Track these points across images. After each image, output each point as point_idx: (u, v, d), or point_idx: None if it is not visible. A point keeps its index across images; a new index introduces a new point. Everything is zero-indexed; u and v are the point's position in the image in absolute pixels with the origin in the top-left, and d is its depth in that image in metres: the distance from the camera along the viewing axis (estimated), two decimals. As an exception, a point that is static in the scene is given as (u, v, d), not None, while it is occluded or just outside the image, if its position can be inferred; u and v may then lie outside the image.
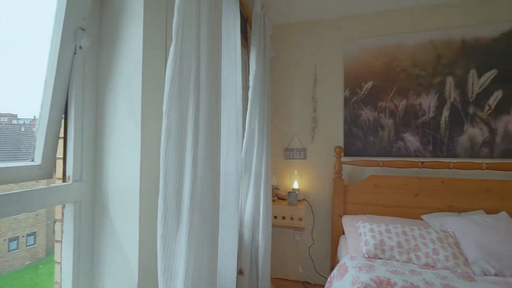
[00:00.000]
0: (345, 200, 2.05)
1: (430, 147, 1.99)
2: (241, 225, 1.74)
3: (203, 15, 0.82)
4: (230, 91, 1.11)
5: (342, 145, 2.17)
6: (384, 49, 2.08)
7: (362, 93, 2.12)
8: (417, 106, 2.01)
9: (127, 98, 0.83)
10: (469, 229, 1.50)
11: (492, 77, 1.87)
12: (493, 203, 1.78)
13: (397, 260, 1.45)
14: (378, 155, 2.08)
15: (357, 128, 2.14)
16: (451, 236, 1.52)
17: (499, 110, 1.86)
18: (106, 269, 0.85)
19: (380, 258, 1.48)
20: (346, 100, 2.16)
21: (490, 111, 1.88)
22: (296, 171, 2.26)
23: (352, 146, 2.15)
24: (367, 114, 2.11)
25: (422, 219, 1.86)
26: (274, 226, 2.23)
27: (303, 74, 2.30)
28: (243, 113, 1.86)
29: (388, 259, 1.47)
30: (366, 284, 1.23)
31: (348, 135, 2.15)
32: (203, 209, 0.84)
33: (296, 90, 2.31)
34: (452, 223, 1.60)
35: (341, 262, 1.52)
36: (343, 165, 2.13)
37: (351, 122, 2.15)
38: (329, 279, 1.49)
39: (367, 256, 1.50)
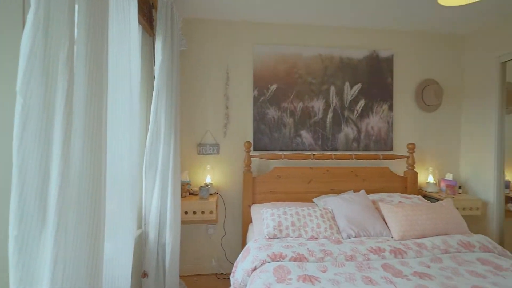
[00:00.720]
0: (253, 191, 2.23)
1: (320, 142, 2.42)
2: (145, 223, 1.63)
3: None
4: (123, 77, 1.02)
5: (251, 140, 2.36)
6: (286, 57, 2.38)
7: (269, 94, 2.36)
8: (311, 108, 2.41)
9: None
10: (340, 205, 1.93)
11: (358, 89, 2.45)
12: (358, 184, 2.34)
13: (291, 237, 1.70)
14: (281, 149, 2.37)
15: (264, 125, 2.36)
16: (330, 212, 1.91)
17: (363, 114, 2.46)
18: None
19: (278, 238, 1.69)
20: (255, 100, 2.35)
21: (357, 115, 2.46)
22: (208, 166, 2.29)
23: (260, 141, 2.36)
24: (272, 113, 2.37)
25: (313, 201, 2.24)
26: (185, 222, 2.19)
27: (216, 72, 2.35)
28: (147, 104, 1.75)
29: (285, 237, 1.70)
30: (263, 260, 1.39)
31: (256, 131, 2.35)
32: (81, 207, 0.75)
33: (209, 87, 2.35)
34: (331, 201, 2.01)
35: (246, 246, 1.66)
36: (252, 159, 2.31)
37: (259, 119, 2.36)
38: (235, 263, 1.60)
39: (268, 237, 1.69)
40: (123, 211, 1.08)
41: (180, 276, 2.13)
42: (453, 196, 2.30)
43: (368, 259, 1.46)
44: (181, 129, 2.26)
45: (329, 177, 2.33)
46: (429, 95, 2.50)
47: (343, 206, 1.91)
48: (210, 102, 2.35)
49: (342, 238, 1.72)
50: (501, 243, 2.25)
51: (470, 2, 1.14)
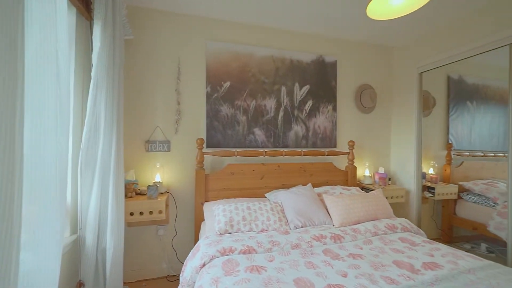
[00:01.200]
0: (206, 188, 2.21)
1: (272, 140, 2.52)
2: (81, 228, 1.47)
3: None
4: (48, 64, 0.90)
5: (204, 137, 2.32)
6: (239, 55, 2.41)
7: (222, 91, 2.36)
8: (263, 107, 2.49)
9: None
10: (289, 198, 2.04)
11: (307, 90, 2.63)
12: (306, 178, 2.51)
13: (243, 231, 1.74)
14: (235, 147, 2.40)
15: (217, 122, 2.35)
16: (280, 205, 2.01)
17: (310, 114, 2.65)
18: None
19: (230, 233, 1.71)
20: (208, 96, 2.32)
21: (306, 114, 2.63)
22: (158, 164, 2.18)
23: (213, 138, 2.34)
24: (226, 110, 2.37)
25: (265, 196, 2.33)
26: (132, 224, 2.05)
27: (167, 65, 2.25)
28: (83, 96, 1.58)
29: (236, 232, 1.73)
30: (212, 256, 1.39)
31: (210, 128, 2.33)
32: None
33: (159, 81, 2.23)
34: (281, 195, 2.11)
35: (196, 244, 1.63)
36: (205, 156, 2.28)
37: (212, 116, 2.34)
38: (185, 262, 1.56)
39: (219, 233, 1.70)
40: (48, 215, 0.96)
41: (125, 282, 1.98)
42: (384, 186, 2.65)
43: (312, 246, 1.58)
44: (127, 125, 2.10)
45: (280, 172, 2.45)
46: (366, 99, 2.83)
47: (292, 199, 2.03)
48: (161, 97, 2.24)
49: (290, 229, 1.83)
50: (418, 224, 2.69)
51: (391, 18, 1.34)
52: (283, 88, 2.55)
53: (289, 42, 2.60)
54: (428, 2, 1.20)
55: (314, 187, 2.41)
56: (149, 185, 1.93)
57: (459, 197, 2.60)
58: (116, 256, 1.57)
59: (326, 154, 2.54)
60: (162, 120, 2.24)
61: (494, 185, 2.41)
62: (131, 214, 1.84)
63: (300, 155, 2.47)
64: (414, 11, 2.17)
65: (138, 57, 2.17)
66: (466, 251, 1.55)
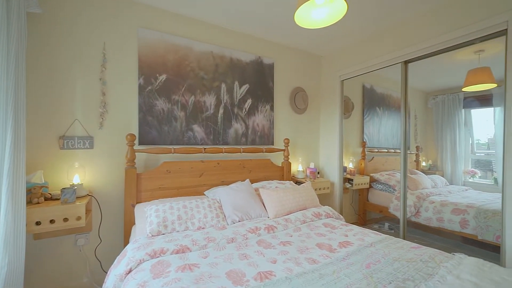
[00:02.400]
0: (138, 189, 2.03)
1: (211, 137, 2.50)
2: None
3: None
4: None
5: (136, 133, 2.13)
6: (176, 47, 2.30)
7: (157, 84, 2.21)
8: (202, 103, 2.44)
9: None
10: (228, 194, 2.07)
11: (246, 89, 2.71)
12: (245, 175, 2.59)
13: (178, 231, 1.68)
14: (172, 144, 2.28)
15: (152, 117, 2.19)
16: (218, 202, 2.01)
17: (250, 112, 2.74)
18: None
19: (163, 234, 1.62)
20: (141, 88, 2.14)
21: (245, 112, 2.71)
22: (77, 163, 1.89)
23: (147, 135, 2.17)
24: (161, 104, 2.23)
25: (204, 194, 2.29)
26: (40, 236, 1.74)
27: (89, 50, 1.96)
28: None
29: (170, 232, 1.65)
30: (140, 260, 1.29)
31: (143, 123, 2.15)
32: None
33: (79, 67, 1.93)
34: (220, 192, 2.13)
35: (123, 250, 1.49)
36: (138, 154, 2.10)
37: (146, 111, 2.16)
38: (108, 271, 1.41)
39: (150, 235, 1.59)
40: None
41: (29, 306, 1.66)
42: (314, 180, 2.97)
43: (247, 238, 1.65)
44: (33, 117, 1.75)
45: (220, 170, 2.46)
46: (299, 100, 3.10)
47: (230, 195, 2.06)
48: (81, 86, 1.94)
49: (227, 224, 1.86)
50: (340, 210, 3.12)
51: (313, 27, 1.50)
52: (223, 86, 2.56)
53: (229, 40, 2.62)
54: (342, 18, 1.40)
55: (252, 183, 2.50)
56: (63, 188, 1.66)
57: (370, 186, 3.13)
58: (15, 277, 1.30)
59: (264, 151, 2.67)
60: (83, 112, 1.95)
61: (394, 175, 2.99)
62: (38, 223, 1.54)
63: (240, 152, 2.53)
64: (336, 25, 2.49)
65: (51, 37, 1.83)
66: (373, 230, 1.88)
